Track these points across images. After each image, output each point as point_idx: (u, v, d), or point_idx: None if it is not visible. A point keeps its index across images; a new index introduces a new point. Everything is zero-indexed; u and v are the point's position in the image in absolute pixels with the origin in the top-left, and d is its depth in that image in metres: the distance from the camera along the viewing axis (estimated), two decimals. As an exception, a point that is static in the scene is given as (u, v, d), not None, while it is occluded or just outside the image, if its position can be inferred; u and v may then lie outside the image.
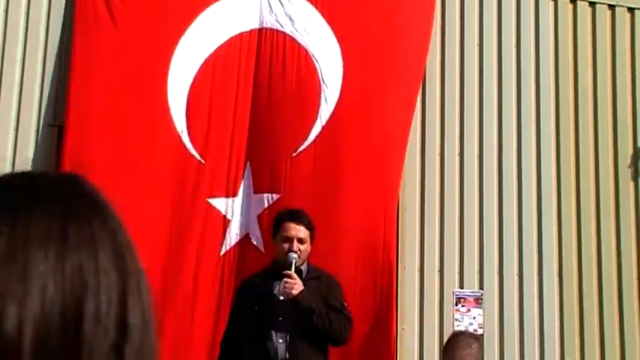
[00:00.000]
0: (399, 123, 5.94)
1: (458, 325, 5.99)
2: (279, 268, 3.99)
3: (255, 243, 5.71)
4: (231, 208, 5.77)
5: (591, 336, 5.98)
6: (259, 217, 5.72)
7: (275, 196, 5.68)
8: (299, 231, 4.07)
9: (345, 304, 4.11)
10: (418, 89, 6.07)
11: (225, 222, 5.75)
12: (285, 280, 3.92)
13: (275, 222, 4.15)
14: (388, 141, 5.88)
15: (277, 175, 5.72)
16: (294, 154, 5.74)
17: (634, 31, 6.48)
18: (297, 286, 3.91)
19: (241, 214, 5.76)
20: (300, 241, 4.06)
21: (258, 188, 5.77)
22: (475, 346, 3.55)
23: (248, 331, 3.96)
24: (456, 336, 3.63)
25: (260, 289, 4.06)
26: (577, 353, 5.94)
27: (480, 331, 6.01)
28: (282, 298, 3.95)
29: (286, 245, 4.02)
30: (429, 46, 6.18)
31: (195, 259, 5.64)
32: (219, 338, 5.48)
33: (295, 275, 3.93)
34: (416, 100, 6.06)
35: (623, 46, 6.45)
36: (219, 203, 5.77)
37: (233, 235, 5.73)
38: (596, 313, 6.03)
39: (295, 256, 3.99)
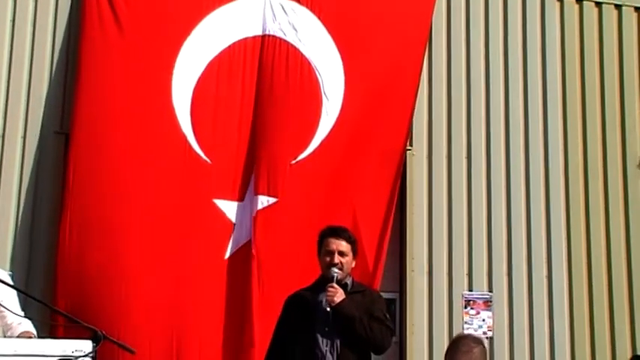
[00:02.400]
0: (397, 137, 5.95)
1: (467, 328, 5.99)
2: (324, 281, 4.09)
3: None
4: (238, 212, 5.79)
5: (602, 338, 5.97)
6: (253, 218, 5.74)
7: (271, 200, 5.72)
8: (339, 245, 4.18)
9: (388, 315, 4.21)
10: (414, 101, 6.06)
11: (230, 224, 5.77)
12: (327, 288, 4.03)
13: (319, 239, 4.29)
14: (386, 156, 5.89)
15: (275, 180, 5.76)
16: (294, 162, 5.78)
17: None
18: (338, 294, 4.03)
19: (245, 218, 5.78)
20: (342, 254, 4.17)
21: (256, 190, 5.81)
22: (477, 350, 3.53)
23: (296, 340, 4.09)
24: (458, 339, 3.61)
25: (307, 301, 4.18)
26: (588, 356, 5.92)
27: (489, 334, 6.00)
28: (327, 309, 4.08)
29: (328, 258, 4.13)
30: (423, 58, 6.18)
31: (200, 258, 5.66)
32: (220, 338, 5.53)
33: (336, 285, 4.03)
34: (411, 114, 6.05)
35: (630, 46, 6.44)
36: (226, 206, 5.79)
37: (237, 239, 5.75)
38: (606, 315, 6.02)
39: (336, 269, 4.11)
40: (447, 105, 6.35)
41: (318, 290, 4.15)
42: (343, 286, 4.10)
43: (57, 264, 5.59)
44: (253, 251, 5.65)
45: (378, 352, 4.22)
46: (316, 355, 3.98)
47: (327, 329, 4.04)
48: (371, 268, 5.62)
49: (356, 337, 3.99)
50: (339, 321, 4.01)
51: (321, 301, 4.10)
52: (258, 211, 5.71)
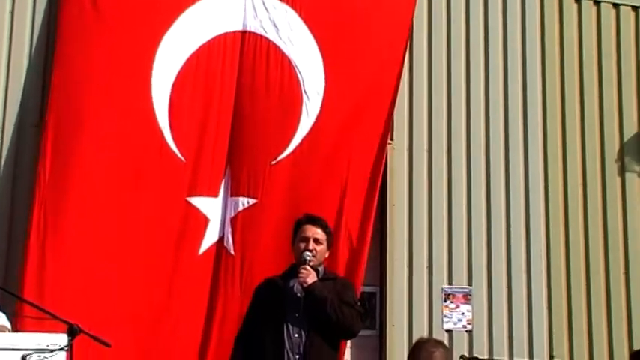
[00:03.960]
0: (377, 137, 5.94)
1: (447, 322, 6.02)
2: (296, 267, 4.10)
3: (225, 245, 5.72)
4: (212, 208, 5.78)
5: (579, 332, 6.02)
6: (232, 219, 5.73)
7: (251, 201, 5.71)
8: (315, 232, 4.23)
9: (358, 302, 4.23)
10: (393, 101, 6.06)
11: (206, 221, 5.76)
12: (299, 270, 4.03)
13: (294, 227, 4.30)
14: (367, 153, 5.88)
15: (255, 181, 5.74)
16: (273, 163, 5.77)
17: (619, 24, 6.51)
18: (311, 275, 4.04)
19: (219, 215, 5.77)
20: (317, 241, 4.21)
21: (234, 192, 5.79)
22: (437, 353, 3.57)
23: (265, 326, 4.09)
24: (418, 345, 3.67)
25: (277, 287, 4.20)
26: (565, 349, 5.98)
27: (468, 327, 6.03)
28: (299, 294, 4.07)
29: (302, 244, 4.14)
30: (404, 55, 6.17)
31: (174, 255, 5.64)
32: (198, 334, 5.53)
33: (309, 267, 4.02)
34: (391, 112, 6.05)
35: (608, 43, 6.47)
36: (200, 202, 5.78)
37: (211, 236, 5.75)
38: (584, 309, 6.06)
39: (310, 254, 4.14)
40: (427, 99, 6.37)
41: (289, 277, 4.17)
42: (315, 272, 4.12)
43: (28, 258, 5.52)
44: (232, 252, 5.65)
45: (348, 337, 4.27)
46: (285, 341, 4.00)
47: (297, 315, 4.06)
48: (354, 264, 5.61)
49: (326, 320, 4.00)
50: (310, 302, 4.00)
51: (292, 286, 4.11)
52: (238, 213, 5.70)
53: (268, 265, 5.31)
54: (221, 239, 5.75)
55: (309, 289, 4.04)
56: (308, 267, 4.07)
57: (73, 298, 5.38)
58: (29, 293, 5.31)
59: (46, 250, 5.51)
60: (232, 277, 5.60)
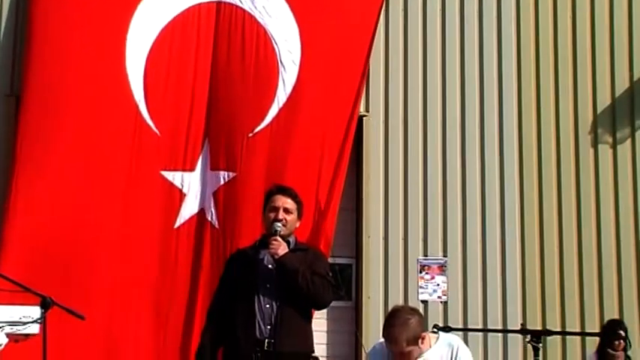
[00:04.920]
0: (349, 105, 5.91)
1: (422, 293, 6.07)
2: (267, 238, 4.09)
3: (209, 218, 5.71)
4: (188, 182, 5.75)
5: (552, 301, 6.09)
6: (215, 193, 5.72)
7: (231, 174, 5.70)
8: (285, 202, 4.19)
9: (330, 273, 4.23)
10: (364, 71, 6.02)
11: (181, 195, 5.73)
12: (270, 242, 4.01)
13: (265, 197, 4.27)
14: (341, 126, 5.86)
15: (233, 154, 5.72)
16: (251, 135, 5.74)
17: (593, 2, 6.52)
18: (282, 247, 4.04)
19: (196, 188, 5.74)
20: (287, 211, 4.18)
21: (214, 165, 5.76)
22: (413, 320, 3.60)
23: (236, 297, 4.08)
24: (394, 312, 3.69)
25: (248, 258, 4.18)
26: (538, 318, 6.05)
27: (443, 298, 6.09)
28: (270, 266, 4.07)
29: (272, 214, 4.13)
30: (377, 23, 6.12)
31: (148, 229, 5.63)
32: (182, 308, 5.54)
33: (280, 239, 4.02)
34: (362, 82, 6.01)
35: (583, 16, 6.48)
36: (173, 176, 5.75)
37: (188, 209, 5.72)
38: (557, 280, 6.13)
39: (280, 224, 4.11)
40: (403, 70, 6.36)
41: (260, 247, 4.17)
42: (286, 243, 4.12)
43: (3, 230, 5.49)
44: (217, 226, 5.63)
45: (320, 307, 4.28)
46: (257, 312, 4.01)
47: (268, 286, 4.06)
48: (322, 234, 5.62)
49: (297, 291, 4.00)
50: (282, 274, 4.01)
51: (263, 258, 4.11)
52: (220, 187, 5.67)
53: (251, 237, 5.31)
54: (202, 212, 5.73)
55: (280, 261, 4.03)
56: (279, 238, 4.05)
57: (48, 271, 5.36)
58: (5, 265, 5.29)
59: (22, 222, 5.49)
60: (217, 250, 5.59)
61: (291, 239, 4.21)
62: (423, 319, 3.80)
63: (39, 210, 5.52)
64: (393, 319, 3.64)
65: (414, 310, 3.76)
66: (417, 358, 3.64)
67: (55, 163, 5.60)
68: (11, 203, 5.50)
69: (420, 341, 3.61)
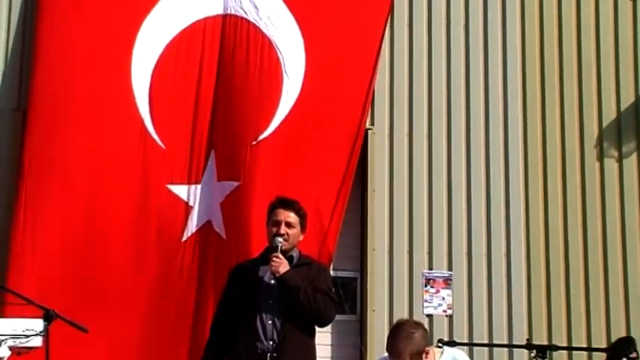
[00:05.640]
0: (355, 117, 5.92)
1: (427, 306, 6.05)
2: (269, 252, 4.08)
3: (217, 230, 5.70)
4: (194, 194, 5.76)
5: (558, 316, 6.05)
6: (222, 204, 5.71)
7: (235, 184, 5.69)
8: (287, 216, 4.18)
9: (333, 289, 4.21)
10: (369, 86, 6.04)
11: (187, 209, 5.73)
12: (271, 259, 3.99)
13: (268, 210, 4.26)
14: (346, 134, 5.87)
15: (237, 163, 5.71)
16: (254, 143, 5.74)
17: (598, 9, 6.52)
18: (283, 265, 4.02)
19: (203, 201, 5.74)
20: (289, 225, 4.16)
21: (221, 176, 5.76)
22: (417, 334, 3.59)
23: (238, 313, 4.07)
24: (398, 326, 3.68)
25: (250, 273, 4.14)
26: (544, 333, 6.01)
27: (449, 312, 6.06)
28: (272, 282, 4.07)
29: (274, 229, 4.12)
30: (383, 35, 6.14)
31: (156, 244, 5.64)
32: (188, 321, 5.53)
33: (281, 255, 4.01)
34: (369, 95, 6.02)
35: (588, 30, 6.49)
36: (179, 190, 5.76)
37: (195, 222, 5.72)
38: (563, 294, 6.10)
39: (281, 239, 4.10)
40: (408, 84, 6.36)
41: (263, 261, 4.15)
42: (288, 258, 4.12)
43: (11, 244, 5.51)
44: (224, 236, 5.62)
45: (322, 324, 4.25)
46: (259, 328, 4.00)
47: (270, 302, 4.05)
48: (324, 247, 5.61)
49: (299, 308, 3.99)
50: (283, 291, 3.99)
51: (265, 274, 4.11)
52: (226, 197, 5.68)
53: (255, 247, 5.32)
54: (208, 224, 5.72)
55: (281, 279, 4.01)
56: (280, 255, 4.04)
57: (55, 286, 5.40)
58: (15, 280, 5.32)
59: (31, 236, 5.52)
60: (224, 260, 5.56)
61: (294, 253, 4.19)
62: (427, 334, 3.79)
63: (47, 225, 5.55)
64: (397, 332, 3.63)
65: (419, 324, 3.75)
66: (421, 372, 3.63)
67: (63, 178, 5.63)
68: (20, 218, 5.53)
69: (423, 356, 3.60)
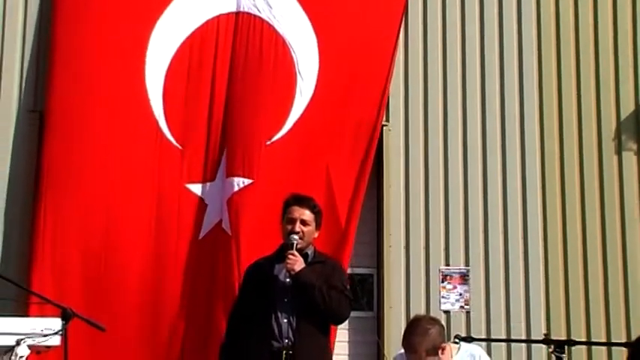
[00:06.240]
0: (371, 114, 5.90)
1: (444, 303, 6.03)
2: (285, 249, 4.09)
3: (223, 226, 5.72)
4: (209, 192, 5.77)
5: (577, 310, 6.01)
6: (228, 200, 5.72)
7: (247, 182, 5.69)
8: (302, 213, 4.16)
9: (348, 286, 4.21)
10: (385, 84, 6.01)
11: (203, 206, 5.76)
12: (287, 256, 4.00)
13: (283, 207, 4.27)
14: (361, 134, 5.85)
15: (250, 162, 5.71)
16: (269, 143, 5.75)
17: (615, 7, 6.46)
18: (298, 262, 4.02)
19: (216, 198, 5.76)
20: (304, 222, 4.14)
21: (229, 172, 5.77)
22: (433, 330, 3.58)
23: (254, 312, 4.08)
24: (414, 322, 3.67)
25: (265, 272, 4.15)
26: (563, 328, 5.97)
27: (466, 308, 6.04)
28: (287, 280, 4.07)
29: (289, 226, 4.12)
30: (398, 34, 6.14)
31: (175, 243, 5.68)
32: (207, 320, 5.55)
33: (297, 253, 4.01)
34: (386, 91, 6.00)
35: (605, 15, 6.42)
36: (196, 188, 5.78)
37: (210, 219, 5.75)
38: (581, 288, 6.06)
39: (296, 237, 4.11)
40: (423, 80, 6.33)
41: (278, 259, 4.16)
42: (304, 255, 4.12)
43: (32, 245, 5.57)
44: (229, 232, 5.63)
45: (337, 322, 4.26)
46: (274, 327, 4.00)
47: (286, 300, 4.05)
48: (341, 244, 5.62)
49: (314, 306, 3.99)
50: (298, 289, 3.99)
51: (280, 272, 4.11)
52: (233, 193, 5.69)
53: (264, 246, 5.33)
54: (219, 222, 5.75)
55: (296, 277, 4.02)
56: (295, 253, 4.04)
57: (79, 287, 5.45)
58: (37, 281, 5.38)
59: (51, 238, 5.58)
60: (230, 258, 5.59)
61: (309, 251, 4.19)
62: (444, 330, 3.78)
63: (68, 227, 5.61)
64: (413, 328, 3.62)
65: (435, 320, 3.74)
66: (438, 368, 3.61)
67: (81, 182, 5.69)
68: (40, 219, 5.58)
69: (439, 352, 3.59)
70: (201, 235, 5.73)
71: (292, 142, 5.79)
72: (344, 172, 5.78)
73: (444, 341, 3.64)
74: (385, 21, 6.12)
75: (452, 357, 3.68)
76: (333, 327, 4.64)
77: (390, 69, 6.03)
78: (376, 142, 5.90)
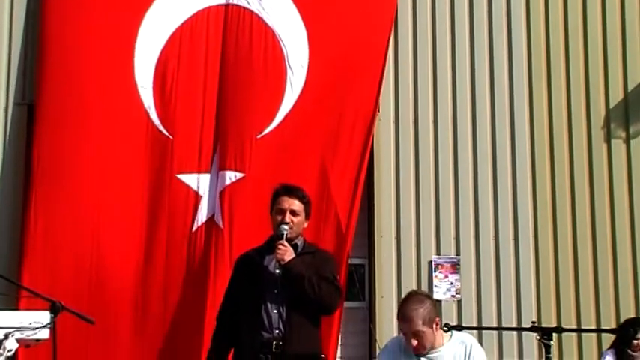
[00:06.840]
0: (361, 110, 5.90)
1: (436, 292, 6.05)
2: (274, 240, 4.08)
3: (215, 220, 5.72)
4: (203, 184, 5.77)
5: (567, 297, 6.05)
6: (221, 193, 5.72)
7: (238, 175, 5.69)
8: (291, 204, 4.13)
9: (338, 277, 4.21)
10: (381, 76, 6.01)
11: (197, 198, 5.75)
12: (276, 246, 4.01)
13: (272, 198, 4.26)
14: (354, 126, 5.85)
15: (241, 155, 5.72)
16: (259, 136, 5.74)
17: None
18: (288, 252, 4.02)
19: (211, 190, 5.76)
20: (293, 213, 4.13)
21: (222, 165, 5.77)
22: (428, 302, 3.64)
23: (243, 303, 4.08)
24: (410, 293, 3.76)
25: (254, 263, 4.16)
26: (553, 315, 6.00)
27: (457, 297, 6.06)
28: (277, 271, 4.07)
29: (279, 217, 4.12)
30: (390, 28, 6.13)
31: (166, 234, 5.68)
32: (199, 312, 5.56)
33: (286, 243, 4.02)
34: (379, 86, 6.00)
35: (594, 11, 6.43)
36: (189, 179, 5.77)
37: (204, 212, 5.74)
38: (571, 277, 6.09)
39: (286, 227, 4.10)
40: (413, 69, 6.34)
41: (268, 250, 4.15)
42: (293, 246, 4.11)
43: (23, 239, 5.57)
44: (222, 226, 5.64)
45: (327, 313, 4.26)
46: (264, 318, 4.00)
47: (275, 291, 4.05)
48: (341, 238, 5.63)
49: (304, 297, 3.99)
50: (288, 279, 4.00)
51: (269, 264, 4.10)
52: (226, 187, 5.68)
53: (256, 240, 5.32)
54: (212, 216, 5.75)
55: (286, 267, 4.02)
56: (285, 243, 4.03)
57: (71, 280, 5.45)
58: (28, 274, 5.38)
59: (42, 230, 5.58)
60: (222, 251, 5.59)
61: (299, 241, 4.19)
62: (436, 306, 3.82)
63: (59, 220, 5.61)
64: (409, 298, 3.69)
65: (428, 295, 3.80)
66: (430, 352, 3.63)
67: (73, 173, 5.70)
68: (31, 212, 5.57)
69: (434, 326, 3.60)
70: (195, 227, 5.73)
71: (283, 135, 5.78)
72: (341, 166, 5.77)
73: (437, 317, 3.67)
74: (377, 13, 6.10)
75: (444, 344, 3.69)
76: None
77: (384, 61, 6.01)
78: (372, 135, 5.89)
